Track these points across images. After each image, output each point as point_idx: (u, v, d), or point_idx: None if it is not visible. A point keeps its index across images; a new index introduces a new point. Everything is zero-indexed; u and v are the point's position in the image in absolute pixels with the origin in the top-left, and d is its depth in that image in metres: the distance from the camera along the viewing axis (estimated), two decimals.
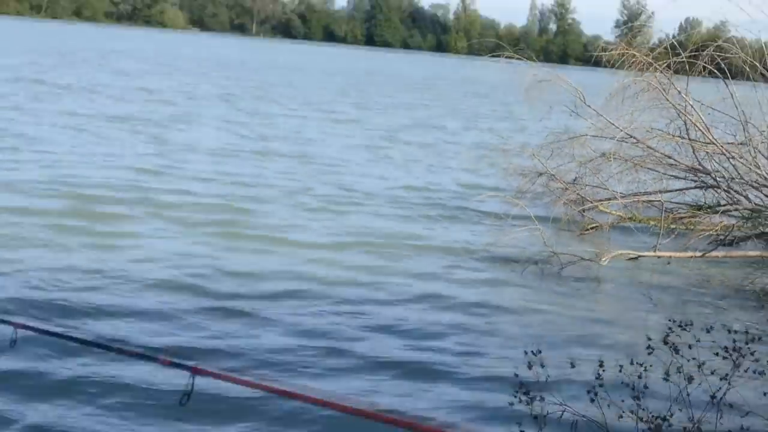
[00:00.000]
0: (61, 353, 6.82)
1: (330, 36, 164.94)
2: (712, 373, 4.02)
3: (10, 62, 42.93)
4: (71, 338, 5.65)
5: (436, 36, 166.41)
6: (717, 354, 4.08)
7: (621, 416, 4.27)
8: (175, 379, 5.01)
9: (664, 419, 4.05)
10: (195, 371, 3.48)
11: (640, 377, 4.13)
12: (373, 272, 10.94)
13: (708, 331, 4.23)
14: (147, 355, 4.90)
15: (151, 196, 14.35)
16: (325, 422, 5.86)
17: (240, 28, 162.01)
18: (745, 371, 4.03)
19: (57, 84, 34.43)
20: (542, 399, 4.22)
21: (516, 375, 4.26)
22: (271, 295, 9.49)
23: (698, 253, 12.34)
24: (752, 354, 4.05)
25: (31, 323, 6.11)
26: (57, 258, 10.28)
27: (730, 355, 4.05)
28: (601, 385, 4.16)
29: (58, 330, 6.65)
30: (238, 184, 16.45)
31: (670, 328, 4.23)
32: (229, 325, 8.25)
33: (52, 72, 40.33)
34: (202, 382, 3.76)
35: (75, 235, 11.30)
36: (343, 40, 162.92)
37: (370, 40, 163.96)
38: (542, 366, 4.26)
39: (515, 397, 4.22)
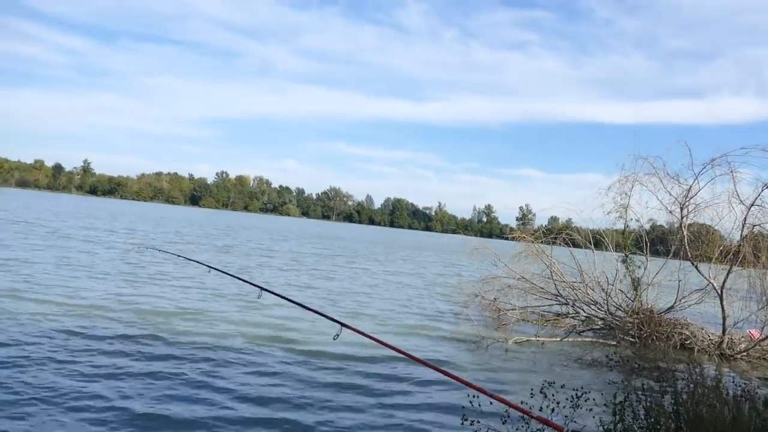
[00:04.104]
0: None
1: (371, 221, 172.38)
2: (564, 408, 3.91)
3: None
4: None
5: (425, 222, 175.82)
6: (566, 398, 3.99)
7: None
8: None
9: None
10: None
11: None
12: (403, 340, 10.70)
13: (562, 387, 4.19)
14: None
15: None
16: None
17: (327, 217, 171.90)
18: (580, 408, 4.00)
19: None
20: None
21: (463, 407, 3.62)
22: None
23: (558, 339, 12.46)
24: (585, 399, 4.07)
25: None
26: None
27: (573, 398, 4.05)
28: (508, 414, 3.88)
29: None
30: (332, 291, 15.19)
31: (543, 383, 4.21)
32: None
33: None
34: None
35: None
36: (378, 224, 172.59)
37: (392, 224, 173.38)
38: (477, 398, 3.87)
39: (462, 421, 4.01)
